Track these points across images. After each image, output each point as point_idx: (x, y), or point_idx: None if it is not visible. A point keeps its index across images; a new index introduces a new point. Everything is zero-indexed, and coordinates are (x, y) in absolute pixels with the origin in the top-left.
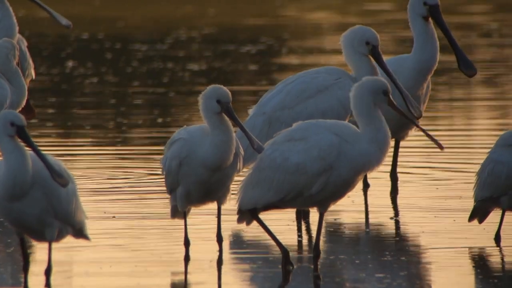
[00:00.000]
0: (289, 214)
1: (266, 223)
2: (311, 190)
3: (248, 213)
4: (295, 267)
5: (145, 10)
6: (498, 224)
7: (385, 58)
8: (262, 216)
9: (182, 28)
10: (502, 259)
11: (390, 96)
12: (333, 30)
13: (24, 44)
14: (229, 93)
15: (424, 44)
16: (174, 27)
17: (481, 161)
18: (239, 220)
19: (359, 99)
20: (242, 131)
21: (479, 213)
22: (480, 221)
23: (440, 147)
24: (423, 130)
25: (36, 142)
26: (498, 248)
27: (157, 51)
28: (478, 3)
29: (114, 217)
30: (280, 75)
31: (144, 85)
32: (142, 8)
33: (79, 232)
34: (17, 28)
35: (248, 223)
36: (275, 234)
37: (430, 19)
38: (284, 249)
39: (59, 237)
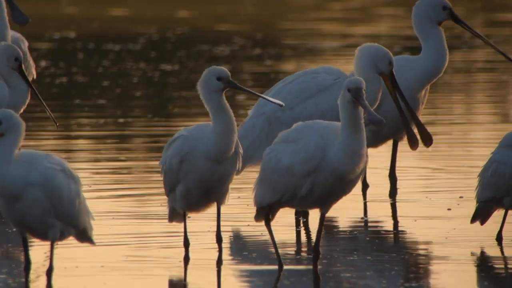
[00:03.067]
0: (291, 213)
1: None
2: (301, 192)
3: (263, 212)
4: (295, 267)
5: (117, 10)
6: (500, 224)
7: None
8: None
9: (155, 28)
10: (504, 259)
11: (359, 93)
12: (306, 31)
13: (25, 44)
14: (226, 69)
15: (438, 52)
16: (147, 27)
17: (481, 161)
18: (257, 218)
19: (339, 105)
20: (256, 96)
21: (481, 214)
22: (482, 223)
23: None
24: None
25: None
26: (499, 248)
27: (129, 51)
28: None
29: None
30: (253, 76)
31: (115, 85)
32: (114, 8)
33: (83, 234)
34: (8, 29)
35: (264, 223)
36: (277, 243)
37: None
38: (281, 265)
39: (62, 237)
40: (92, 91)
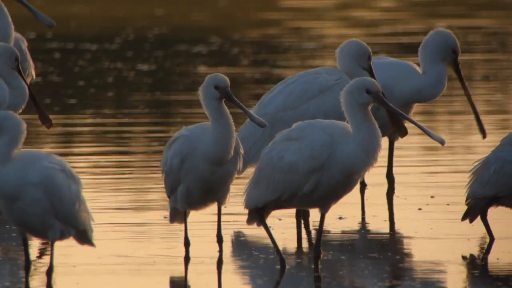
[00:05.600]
0: (291, 213)
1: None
2: (303, 190)
3: (255, 214)
4: (296, 267)
5: (94, 10)
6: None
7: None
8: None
9: (132, 28)
10: (500, 261)
11: (380, 94)
12: (282, 31)
13: (24, 44)
14: (227, 78)
15: (439, 82)
16: (124, 27)
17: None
18: (249, 221)
19: (344, 103)
20: (243, 111)
21: (473, 212)
22: (471, 220)
23: (441, 142)
24: (421, 127)
25: None
26: (494, 250)
27: (106, 51)
28: None
29: None
30: (228, 76)
31: (90, 85)
32: (91, 8)
33: (83, 235)
34: (12, 28)
35: (258, 224)
36: (277, 239)
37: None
38: (282, 260)
39: (62, 237)
40: (66, 91)
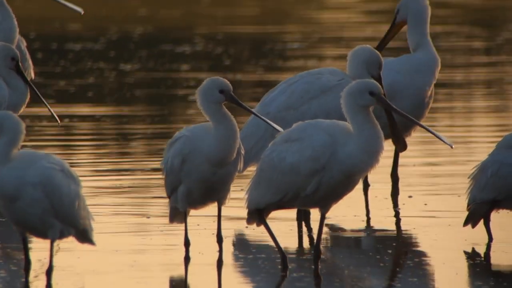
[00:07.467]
0: (291, 214)
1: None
2: (306, 191)
3: (255, 214)
4: (296, 267)
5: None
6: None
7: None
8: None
9: (117, 27)
10: (503, 262)
11: (383, 96)
12: (267, 29)
13: (24, 44)
14: (228, 82)
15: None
16: (108, 26)
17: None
18: (249, 221)
19: (344, 105)
20: (254, 115)
21: (474, 217)
22: (474, 225)
23: (450, 145)
24: (430, 130)
25: None
26: (496, 251)
27: (89, 51)
28: None
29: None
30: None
31: (70, 85)
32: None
33: (83, 235)
34: (17, 30)
35: (258, 224)
36: (277, 238)
37: None
38: (283, 257)
39: (62, 237)
40: (46, 90)
